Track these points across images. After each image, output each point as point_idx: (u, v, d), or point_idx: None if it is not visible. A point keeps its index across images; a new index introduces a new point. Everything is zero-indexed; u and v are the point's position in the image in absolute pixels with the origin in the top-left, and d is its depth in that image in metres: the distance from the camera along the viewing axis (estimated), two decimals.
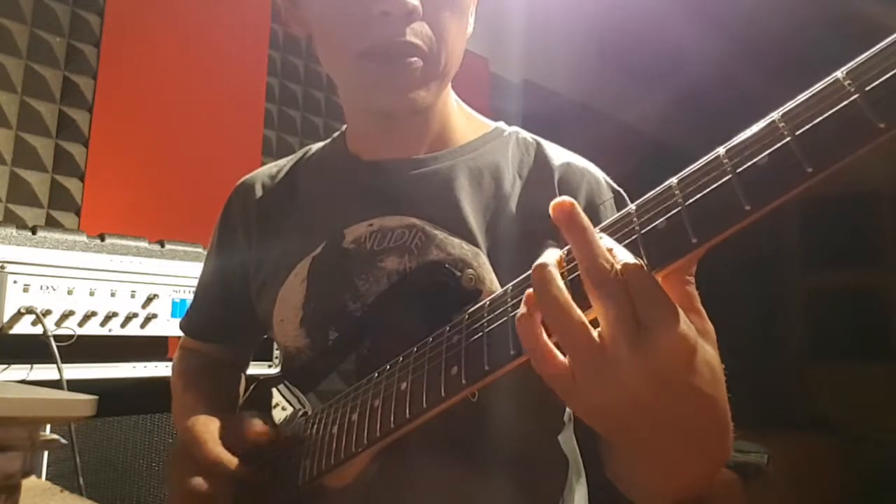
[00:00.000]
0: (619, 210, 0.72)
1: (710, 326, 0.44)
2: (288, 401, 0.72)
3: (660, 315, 0.39)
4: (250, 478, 0.64)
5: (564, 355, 0.42)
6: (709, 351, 0.43)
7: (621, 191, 0.75)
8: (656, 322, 0.39)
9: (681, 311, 0.40)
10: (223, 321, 0.89)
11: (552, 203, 0.41)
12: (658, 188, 0.42)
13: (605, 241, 0.41)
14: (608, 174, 0.77)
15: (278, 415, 0.72)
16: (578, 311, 0.40)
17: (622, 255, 0.40)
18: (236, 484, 0.64)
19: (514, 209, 0.72)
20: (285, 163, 0.89)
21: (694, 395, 0.41)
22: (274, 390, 0.74)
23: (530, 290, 0.43)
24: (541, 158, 0.76)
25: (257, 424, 0.66)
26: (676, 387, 0.40)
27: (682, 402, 0.41)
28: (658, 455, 0.46)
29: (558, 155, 0.77)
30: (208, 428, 0.67)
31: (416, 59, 0.67)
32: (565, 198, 0.41)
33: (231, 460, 0.64)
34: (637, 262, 0.40)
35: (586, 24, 3.22)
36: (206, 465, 0.64)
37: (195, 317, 0.93)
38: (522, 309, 0.43)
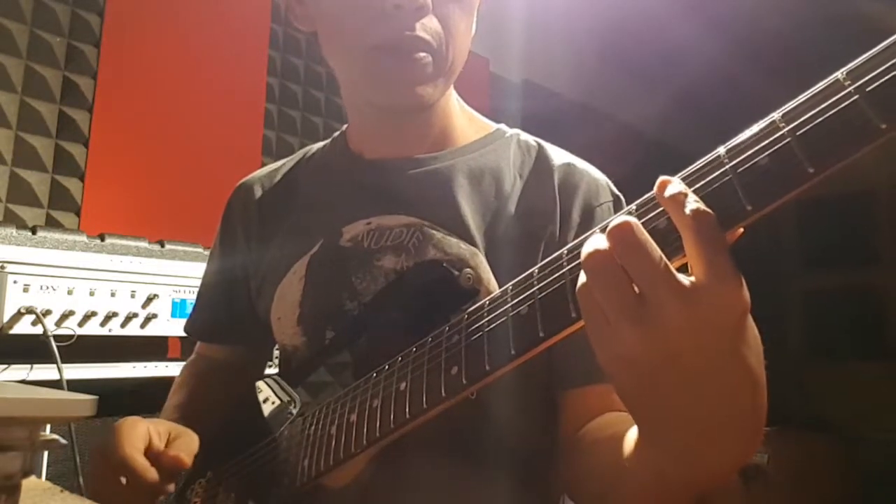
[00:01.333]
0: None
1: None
2: (276, 394, 0.72)
3: (710, 265, 0.37)
4: (163, 490, 0.64)
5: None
6: (757, 334, 0.40)
7: (621, 197, 0.75)
8: (707, 274, 0.37)
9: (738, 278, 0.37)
10: (226, 321, 0.89)
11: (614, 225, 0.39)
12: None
13: (676, 185, 0.39)
14: (608, 174, 0.77)
15: (267, 408, 0.72)
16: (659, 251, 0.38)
17: (695, 202, 0.38)
18: (148, 492, 0.64)
19: (514, 210, 0.72)
20: (285, 163, 0.89)
21: (742, 366, 0.38)
22: (261, 384, 0.74)
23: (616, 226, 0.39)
24: (541, 160, 0.76)
25: (171, 453, 0.65)
26: (725, 351, 0.38)
27: (729, 370, 0.38)
28: (678, 431, 0.41)
29: (559, 156, 0.77)
30: (134, 430, 0.66)
31: (424, 54, 0.67)
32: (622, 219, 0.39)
33: (143, 466, 0.63)
34: (710, 211, 0.37)
35: (586, 24, 3.22)
36: (120, 469, 0.63)
37: (199, 318, 0.93)
38: (603, 245, 0.39)
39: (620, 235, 0.38)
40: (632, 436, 0.48)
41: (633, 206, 0.43)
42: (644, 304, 0.38)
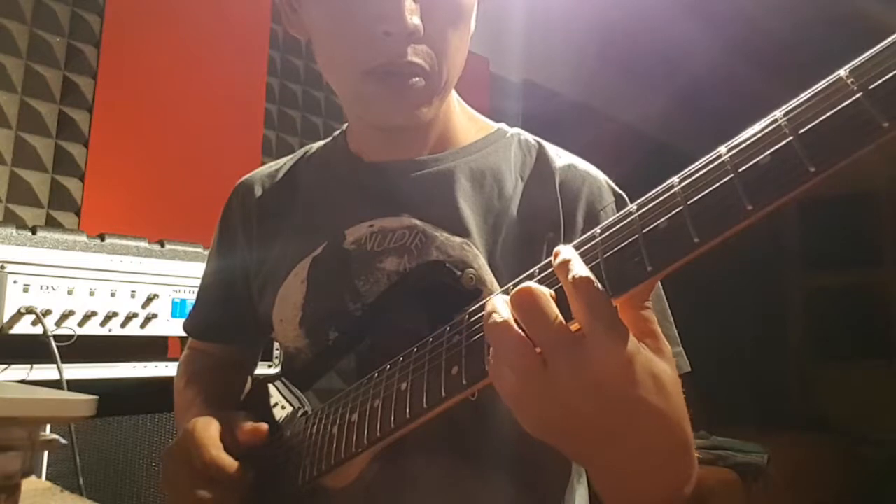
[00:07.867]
0: None
1: (666, 347, 0.44)
2: (287, 399, 0.72)
3: (592, 325, 0.39)
4: (249, 484, 0.64)
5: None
6: (658, 364, 0.42)
7: (623, 194, 0.75)
8: (590, 333, 0.39)
9: (619, 326, 0.40)
10: (225, 321, 0.89)
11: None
12: (659, 187, 0.42)
13: (565, 254, 0.42)
14: (608, 174, 0.77)
15: (278, 413, 0.71)
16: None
17: (577, 270, 0.41)
18: (238, 490, 0.64)
19: (516, 211, 0.72)
20: (285, 162, 0.89)
21: (641, 406, 0.41)
22: (271, 388, 0.74)
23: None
24: (542, 160, 0.76)
25: (248, 426, 0.65)
26: (619, 398, 0.40)
27: (629, 413, 0.41)
28: (615, 471, 0.45)
29: (560, 157, 0.76)
30: (208, 431, 0.66)
31: (418, 78, 0.66)
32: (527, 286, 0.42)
33: (232, 465, 0.63)
34: (588, 276, 0.40)
35: (586, 24, 3.22)
36: (207, 471, 0.63)
37: (198, 318, 0.93)
38: (503, 312, 0.43)
39: (518, 302, 0.41)
40: None
41: (633, 206, 0.43)
42: (546, 369, 0.40)
